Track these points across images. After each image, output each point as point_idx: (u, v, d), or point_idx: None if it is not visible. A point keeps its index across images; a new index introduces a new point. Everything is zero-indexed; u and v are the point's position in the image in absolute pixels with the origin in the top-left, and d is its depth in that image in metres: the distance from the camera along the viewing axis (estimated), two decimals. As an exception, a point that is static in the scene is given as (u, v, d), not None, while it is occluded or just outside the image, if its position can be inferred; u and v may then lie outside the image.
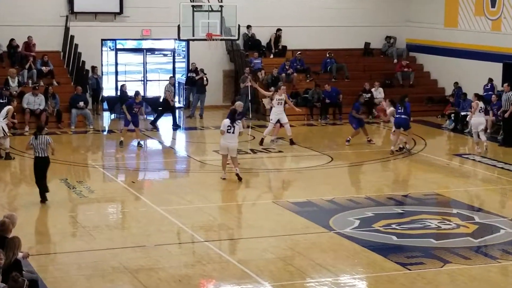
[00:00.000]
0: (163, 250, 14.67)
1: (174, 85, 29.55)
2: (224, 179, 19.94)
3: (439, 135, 27.47)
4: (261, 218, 17.12)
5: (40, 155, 17.69)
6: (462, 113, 27.77)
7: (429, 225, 16.36)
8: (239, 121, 19.92)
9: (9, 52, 29.23)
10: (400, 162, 23.01)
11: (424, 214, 17.14)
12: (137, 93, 25.01)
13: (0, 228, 11.58)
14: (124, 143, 24.17)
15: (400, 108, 23.85)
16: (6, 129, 22.03)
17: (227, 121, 19.76)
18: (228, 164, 20.10)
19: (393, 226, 16.22)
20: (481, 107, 23.82)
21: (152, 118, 28.33)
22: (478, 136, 23.87)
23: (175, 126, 27.91)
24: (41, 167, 17.77)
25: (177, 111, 29.13)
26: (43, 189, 17.82)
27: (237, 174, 19.87)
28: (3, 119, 21.91)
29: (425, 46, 32.99)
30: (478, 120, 23.75)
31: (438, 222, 16.57)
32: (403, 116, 23.71)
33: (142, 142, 24.35)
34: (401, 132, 23.91)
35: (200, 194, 18.74)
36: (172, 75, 31.00)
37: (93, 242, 15.05)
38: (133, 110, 24.08)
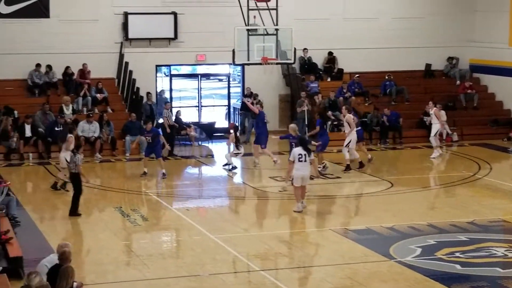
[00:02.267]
0: (217, 280, 14.44)
1: (171, 110, 28.94)
2: (300, 211, 19.19)
3: (505, 159, 26.87)
4: (318, 246, 16.84)
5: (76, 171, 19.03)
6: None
7: (495, 253, 15.87)
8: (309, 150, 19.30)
9: (64, 80, 29.35)
10: (464, 187, 22.52)
11: (490, 242, 16.65)
12: (145, 121, 24.70)
13: (60, 257, 11.50)
14: (149, 172, 23.74)
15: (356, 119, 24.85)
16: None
17: (298, 150, 19.03)
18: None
19: (457, 254, 15.79)
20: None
21: (206, 144, 28.05)
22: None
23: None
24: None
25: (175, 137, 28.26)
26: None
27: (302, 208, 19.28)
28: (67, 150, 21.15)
29: (490, 67, 32.35)
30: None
31: (504, 250, 16.08)
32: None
33: (164, 171, 23.63)
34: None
35: (256, 222, 18.55)
36: (168, 101, 30.58)
37: (146, 271, 14.90)
38: (146, 139, 23.65)
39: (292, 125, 22.47)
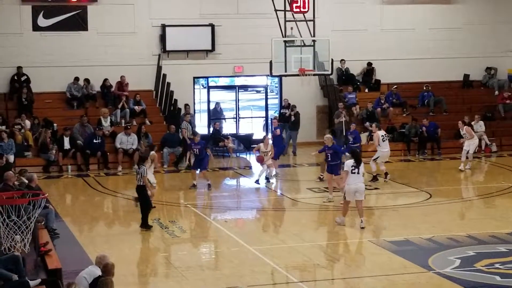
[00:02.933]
0: (256, 291, 14.41)
1: (190, 123, 28.66)
2: (343, 225, 19.02)
3: (545, 170, 26.45)
4: (357, 257, 16.79)
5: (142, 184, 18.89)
6: None
7: (536, 265, 15.69)
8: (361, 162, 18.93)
9: (102, 92, 29.54)
10: (503, 198, 22.27)
11: (531, 253, 16.44)
12: (194, 133, 24.71)
13: (103, 269, 11.59)
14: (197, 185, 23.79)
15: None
16: (153, 180, 20.89)
17: (350, 162, 18.65)
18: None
19: (497, 265, 15.60)
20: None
21: (244, 156, 27.98)
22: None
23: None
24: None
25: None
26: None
27: (362, 228, 18.75)
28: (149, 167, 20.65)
29: (529, 77, 32.00)
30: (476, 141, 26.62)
31: (545, 261, 15.89)
32: None
33: (209, 183, 23.70)
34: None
35: (294, 233, 18.45)
36: (189, 113, 30.47)
37: (185, 283, 14.88)
38: (194, 152, 23.60)
39: (327, 135, 22.41)
